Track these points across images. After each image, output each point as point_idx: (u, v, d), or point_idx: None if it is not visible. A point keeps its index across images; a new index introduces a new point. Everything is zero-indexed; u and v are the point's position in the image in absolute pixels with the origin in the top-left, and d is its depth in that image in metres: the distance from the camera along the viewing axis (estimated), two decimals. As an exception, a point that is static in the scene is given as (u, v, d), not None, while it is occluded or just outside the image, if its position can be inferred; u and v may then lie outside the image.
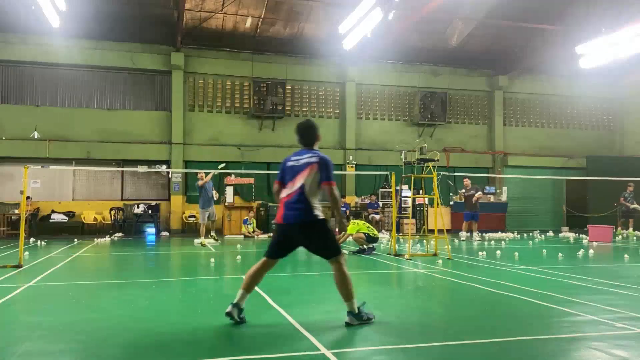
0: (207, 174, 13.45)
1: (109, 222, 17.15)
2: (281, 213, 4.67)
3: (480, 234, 15.50)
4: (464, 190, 15.56)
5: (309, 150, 4.79)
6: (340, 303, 5.78)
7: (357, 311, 4.60)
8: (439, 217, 10.61)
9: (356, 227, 10.89)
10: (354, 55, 18.22)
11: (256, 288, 6.51)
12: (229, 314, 4.57)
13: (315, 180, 4.62)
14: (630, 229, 17.34)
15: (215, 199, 13.45)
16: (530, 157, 21.30)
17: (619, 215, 17.87)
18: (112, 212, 17.10)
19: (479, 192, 15.43)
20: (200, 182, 13.12)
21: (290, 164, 4.74)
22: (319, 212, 4.67)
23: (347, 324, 4.56)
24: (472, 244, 13.69)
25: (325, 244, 4.69)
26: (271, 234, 16.53)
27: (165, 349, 3.92)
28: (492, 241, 14.49)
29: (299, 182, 4.61)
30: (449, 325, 4.77)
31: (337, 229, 5.16)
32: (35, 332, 4.36)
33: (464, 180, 15.69)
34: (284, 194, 4.71)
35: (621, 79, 22.05)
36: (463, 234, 15.24)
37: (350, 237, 11.02)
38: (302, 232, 4.62)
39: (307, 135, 4.83)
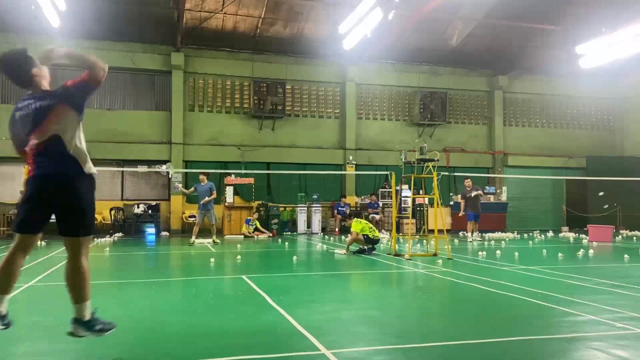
0: (205, 174, 13.56)
1: (109, 222, 17.15)
2: (31, 167, 3.50)
3: (480, 234, 15.48)
4: (472, 192, 15.28)
5: (37, 92, 3.57)
6: (340, 302, 5.81)
7: (88, 317, 3.57)
8: (439, 217, 10.61)
9: (360, 225, 10.87)
10: (354, 55, 18.22)
11: (256, 288, 6.56)
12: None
13: (71, 121, 3.50)
14: None
15: (204, 202, 13.26)
16: (530, 157, 21.31)
17: None
18: (112, 212, 17.10)
19: (479, 191, 15.37)
20: (188, 191, 14.49)
21: (19, 114, 3.53)
22: (85, 166, 3.54)
23: (72, 335, 3.57)
24: (472, 244, 13.69)
25: (85, 210, 3.53)
26: (271, 234, 16.62)
27: (165, 349, 3.92)
28: (492, 241, 14.48)
29: (44, 135, 3.43)
30: (449, 325, 4.76)
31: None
32: (35, 332, 4.36)
33: (465, 180, 15.66)
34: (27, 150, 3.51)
35: (621, 79, 22.05)
36: (469, 235, 15.00)
37: (351, 236, 11.00)
38: (61, 184, 3.45)
39: (22, 73, 3.57)
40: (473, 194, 15.10)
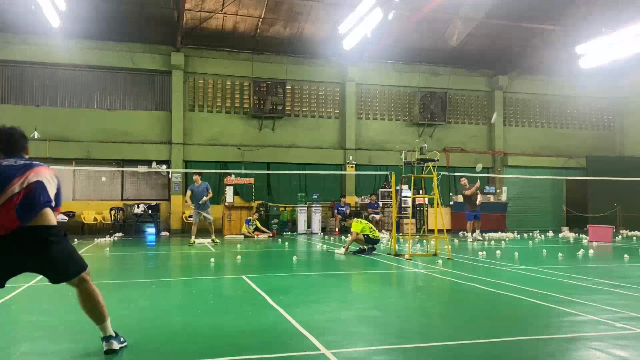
0: (199, 174, 13.59)
1: (109, 222, 17.15)
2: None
3: (480, 233, 15.48)
4: (468, 191, 15.30)
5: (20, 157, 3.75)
6: (340, 302, 5.81)
7: (112, 333, 3.85)
8: (439, 217, 10.61)
9: (360, 225, 10.87)
10: (354, 55, 18.22)
11: (256, 288, 6.55)
12: None
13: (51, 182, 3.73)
14: None
15: (201, 202, 13.28)
16: (530, 157, 21.31)
17: None
18: (112, 212, 17.10)
19: (476, 184, 15.33)
20: (186, 198, 13.65)
21: (6, 164, 3.61)
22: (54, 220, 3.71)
23: (110, 351, 3.75)
24: (472, 244, 13.68)
25: (68, 257, 3.74)
26: (271, 234, 16.62)
27: (165, 349, 3.92)
28: (492, 241, 14.48)
29: (32, 178, 3.55)
30: (449, 325, 4.76)
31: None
32: (35, 332, 4.36)
33: (461, 180, 15.69)
34: None
35: (621, 79, 22.05)
36: (469, 235, 14.99)
37: (351, 237, 11.00)
38: (35, 242, 3.54)
39: (14, 142, 3.80)
40: (468, 192, 15.07)
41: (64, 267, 3.68)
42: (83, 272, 3.73)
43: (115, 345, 3.81)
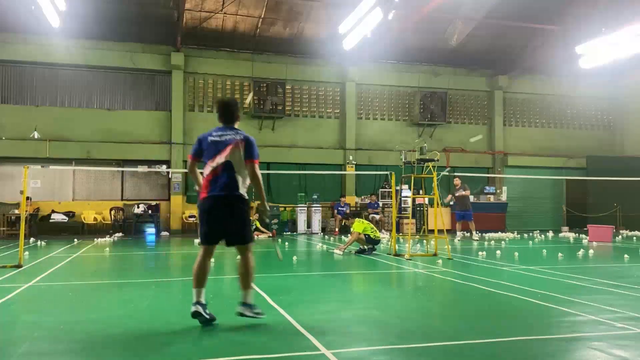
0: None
1: (109, 222, 17.15)
2: (206, 189, 4.58)
3: (479, 233, 15.47)
4: (460, 190, 15.62)
5: (231, 127, 4.78)
6: (340, 302, 5.82)
7: (251, 301, 4.64)
8: (439, 217, 10.61)
9: (362, 225, 10.88)
10: (354, 55, 18.22)
11: (256, 288, 6.55)
12: (196, 314, 4.52)
13: (241, 158, 4.60)
14: None
15: None
16: (530, 157, 21.31)
17: None
18: (112, 212, 17.11)
19: (467, 191, 15.55)
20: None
21: (212, 139, 4.65)
22: (244, 192, 4.62)
23: (240, 315, 4.58)
24: (472, 244, 13.68)
25: (244, 224, 4.63)
26: (271, 235, 16.61)
27: (165, 349, 3.92)
28: (492, 241, 14.48)
29: (223, 158, 4.56)
30: (449, 325, 4.76)
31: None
32: (35, 332, 4.36)
33: (455, 180, 15.80)
34: (207, 170, 4.61)
35: (621, 79, 22.05)
36: (474, 234, 15.11)
37: (352, 237, 11.00)
38: (227, 205, 4.53)
39: (230, 112, 4.86)
40: (457, 194, 15.39)
41: (245, 233, 4.62)
42: (252, 242, 4.68)
43: (247, 313, 4.54)
